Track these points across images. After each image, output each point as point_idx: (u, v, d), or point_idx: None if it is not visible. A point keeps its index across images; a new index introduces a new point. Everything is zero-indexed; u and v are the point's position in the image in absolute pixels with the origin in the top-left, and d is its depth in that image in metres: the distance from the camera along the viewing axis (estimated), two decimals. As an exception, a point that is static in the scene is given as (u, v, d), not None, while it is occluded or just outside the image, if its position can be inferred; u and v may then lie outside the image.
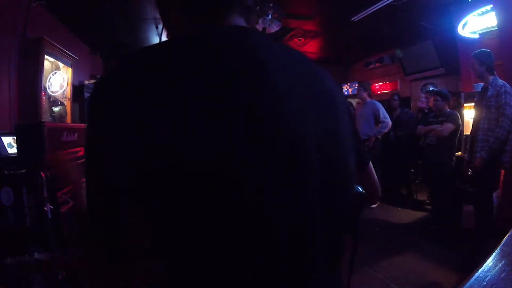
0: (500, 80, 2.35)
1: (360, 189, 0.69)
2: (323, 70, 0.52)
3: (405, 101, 5.25)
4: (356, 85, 5.66)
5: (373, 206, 3.87)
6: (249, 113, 0.39)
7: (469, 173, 2.57)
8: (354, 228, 0.76)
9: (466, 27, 3.61)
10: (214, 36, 0.44)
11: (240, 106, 0.39)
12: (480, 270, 0.53)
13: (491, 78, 2.37)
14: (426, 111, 3.91)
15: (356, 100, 5.51)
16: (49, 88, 3.28)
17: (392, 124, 3.92)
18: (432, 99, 3.19)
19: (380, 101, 4.11)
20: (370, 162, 0.72)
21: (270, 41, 0.48)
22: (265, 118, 0.40)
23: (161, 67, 0.38)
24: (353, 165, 0.52)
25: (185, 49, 0.41)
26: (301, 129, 0.43)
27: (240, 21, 0.50)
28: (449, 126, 2.97)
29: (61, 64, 3.53)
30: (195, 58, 0.40)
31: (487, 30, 3.38)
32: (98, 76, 4.79)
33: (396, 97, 4.42)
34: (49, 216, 1.36)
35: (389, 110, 4.35)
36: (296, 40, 4.96)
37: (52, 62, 3.34)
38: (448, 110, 3.12)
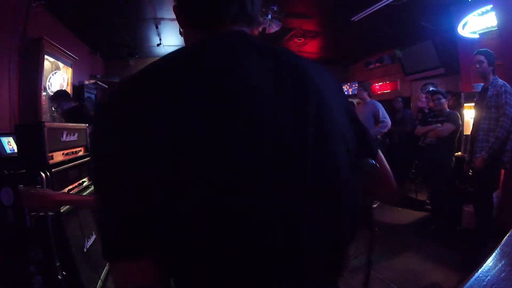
0: (500, 80, 2.34)
1: (372, 162, 0.60)
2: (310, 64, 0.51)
3: (405, 101, 5.25)
4: (356, 85, 5.66)
5: (373, 206, 3.87)
6: (247, 115, 0.41)
7: (470, 173, 2.57)
8: (367, 214, 0.66)
9: (466, 27, 3.60)
10: (212, 46, 0.46)
11: (239, 109, 0.41)
12: (480, 270, 0.53)
13: (491, 78, 2.37)
14: (426, 111, 3.91)
15: (356, 100, 5.51)
16: (49, 88, 3.28)
17: (393, 125, 3.91)
18: (432, 98, 3.18)
19: (381, 101, 4.11)
20: (380, 152, 0.64)
21: (271, 46, 0.49)
22: (260, 118, 0.42)
23: (163, 81, 0.42)
24: (346, 164, 0.49)
25: (182, 63, 0.44)
26: (292, 128, 0.44)
27: (242, 27, 0.51)
28: (449, 127, 2.96)
29: (61, 64, 3.53)
30: (193, 72, 0.42)
31: (487, 30, 3.37)
32: (98, 76, 4.79)
33: (399, 99, 4.44)
34: (49, 216, 1.36)
35: (392, 111, 4.36)
36: (296, 40, 4.96)
37: (52, 62, 3.34)
38: (448, 110, 3.12)
